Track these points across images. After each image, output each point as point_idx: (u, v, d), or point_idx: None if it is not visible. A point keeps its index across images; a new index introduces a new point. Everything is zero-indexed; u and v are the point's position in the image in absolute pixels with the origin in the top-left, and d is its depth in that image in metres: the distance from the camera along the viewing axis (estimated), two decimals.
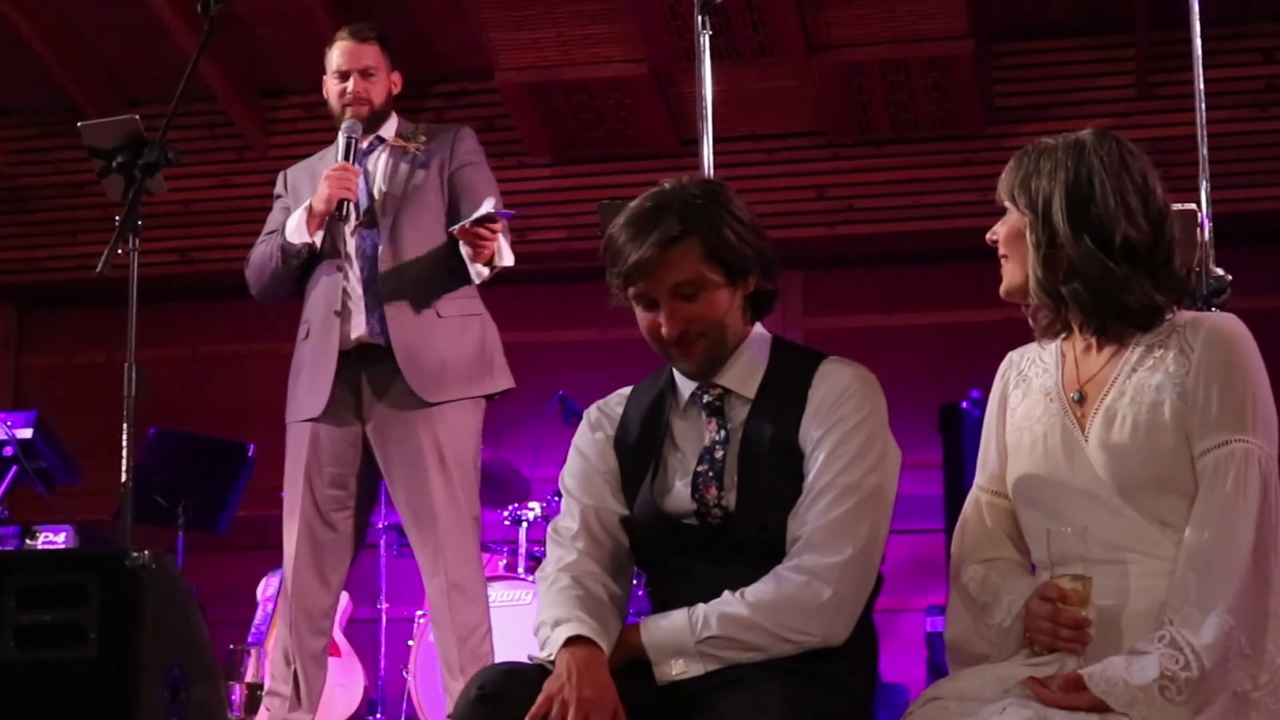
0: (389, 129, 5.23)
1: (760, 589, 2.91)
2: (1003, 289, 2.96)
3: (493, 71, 7.99)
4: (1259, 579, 2.68)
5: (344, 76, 5.17)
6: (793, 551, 2.95)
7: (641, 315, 3.08)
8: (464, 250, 4.96)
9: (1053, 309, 2.89)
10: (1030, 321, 3.00)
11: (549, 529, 3.19)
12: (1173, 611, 2.67)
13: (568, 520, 3.14)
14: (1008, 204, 2.90)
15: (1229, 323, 2.84)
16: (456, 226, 4.91)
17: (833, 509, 2.94)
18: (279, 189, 5.30)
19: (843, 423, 3.00)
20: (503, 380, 5.19)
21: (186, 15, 7.65)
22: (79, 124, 4.90)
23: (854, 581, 2.94)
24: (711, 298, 3.03)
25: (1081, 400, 2.88)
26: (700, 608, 2.91)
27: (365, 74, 5.16)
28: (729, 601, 2.91)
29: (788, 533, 2.97)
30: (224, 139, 8.67)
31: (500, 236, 5.00)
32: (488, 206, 4.91)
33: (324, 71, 5.24)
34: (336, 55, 5.19)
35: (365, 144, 5.16)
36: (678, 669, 2.90)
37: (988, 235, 2.95)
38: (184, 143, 7.96)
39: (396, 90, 5.28)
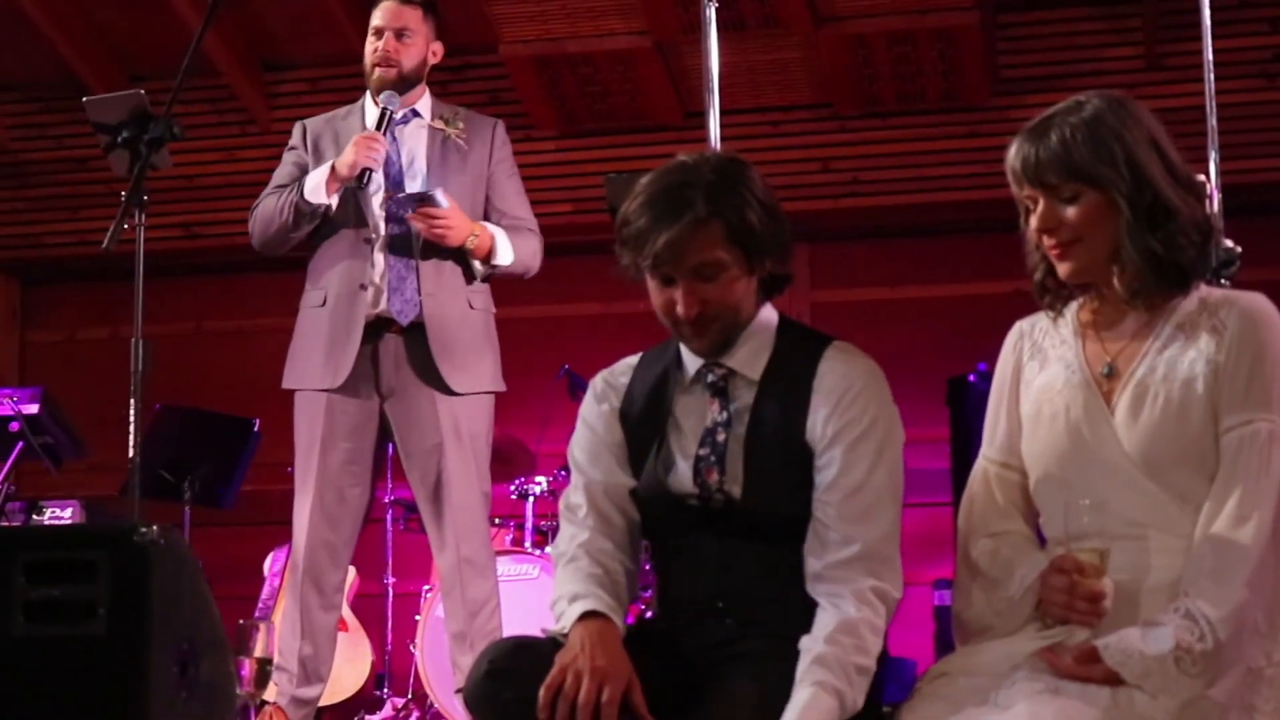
0: (424, 104, 5.20)
1: (853, 636, 2.86)
2: (1072, 272, 2.85)
3: (497, 45, 7.97)
4: (1276, 556, 2.68)
5: (379, 34, 5.13)
6: (847, 561, 2.91)
7: (656, 291, 3.05)
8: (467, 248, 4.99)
9: (1136, 276, 2.80)
10: (1043, 295, 2.96)
11: (561, 504, 3.18)
12: (1189, 584, 2.67)
13: (578, 497, 3.13)
14: (1072, 185, 2.79)
15: (1261, 303, 2.82)
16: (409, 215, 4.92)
17: (873, 516, 2.94)
18: (295, 140, 5.24)
19: (856, 422, 2.98)
20: (501, 382, 5.19)
21: None
22: (84, 99, 4.87)
23: (901, 571, 2.98)
24: (730, 280, 3.00)
25: (1111, 375, 2.86)
26: (830, 682, 2.80)
27: (400, 34, 5.12)
28: (846, 668, 2.83)
29: (818, 531, 2.96)
30: (228, 113, 8.65)
31: (500, 234, 5.02)
32: (419, 191, 4.95)
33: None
34: (376, 14, 5.16)
35: (399, 115, 5.13)
36: None
37: (1038, 228, 2.84)
38: (188, 117, 7.92)
39: (436, 60, 5.24)
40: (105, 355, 8.48)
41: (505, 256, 5.07)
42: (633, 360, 3.25)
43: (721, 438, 3.05)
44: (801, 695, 2.80)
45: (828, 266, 8.39)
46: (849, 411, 2.99)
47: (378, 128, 5.02)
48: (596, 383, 3.24)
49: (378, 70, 5.11)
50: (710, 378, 3.10)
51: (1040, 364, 2.95)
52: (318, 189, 4.99)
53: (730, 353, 3.09)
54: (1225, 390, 2.75)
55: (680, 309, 3.00)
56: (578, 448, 3.19)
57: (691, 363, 3.13)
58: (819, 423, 3.00)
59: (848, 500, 2.94)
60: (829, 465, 2.97)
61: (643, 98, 8.13)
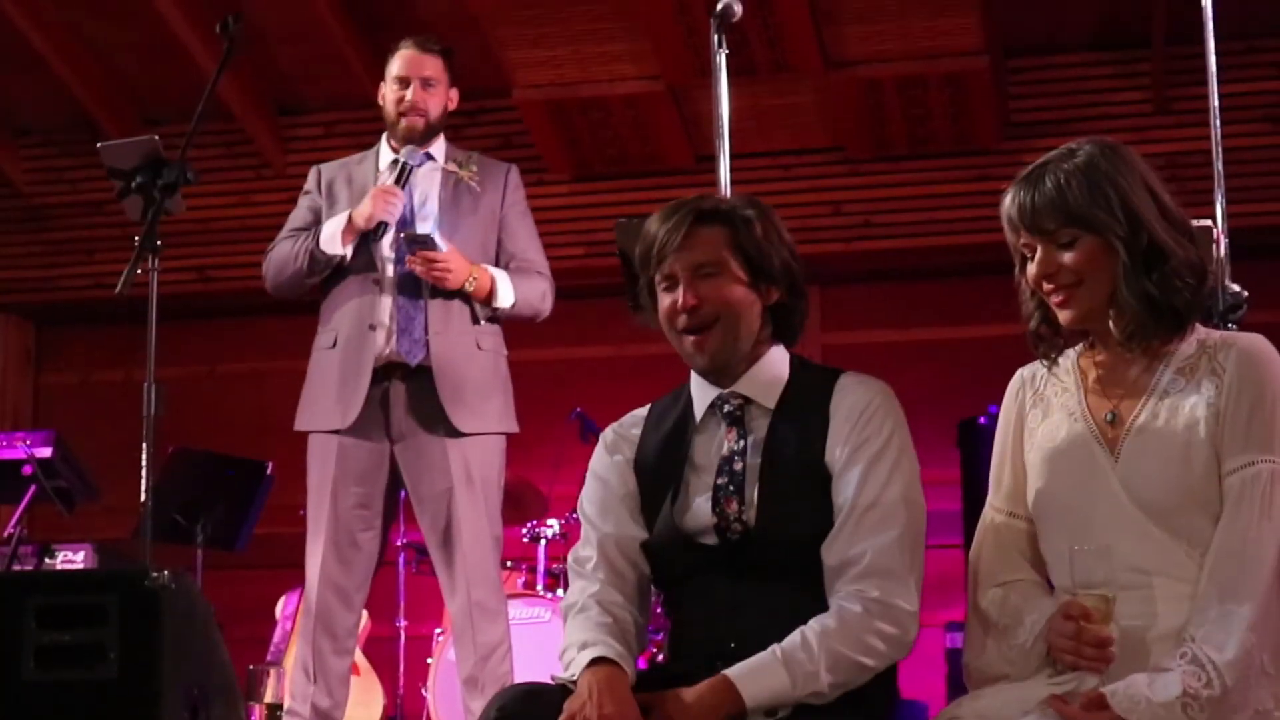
0: (438, 148, 5.22)
1: (846, 627, 2.89)
2: (1074, 318, 2.86)
3: (510, 89, 8.00)
4: None
5: (404, 84, 5.16)
6: (855, 575, 2.94)
7: (663, 299, 3.10)
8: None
9: (1133, 319, 2.81)
10: (1037, 344, 2.98)
11: (569, 559, 3.20)
12: (1195, 629, 2.66)
13: (588, 550, 3.15)
14: (1069, 229, 2.81)
15: (1260, 344, 2.83)
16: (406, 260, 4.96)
17: (885, 528, 2.95)
18: (310, 185, 5.28)
19: (873, 440, 3.01)
20: (513, 423, 5.20)
21: (204, 34, 7.70)
22: (98, 145, 4.90)
23: (919, 595, 2.97)
24: (730, 282, 3.06)
25: (1114, 422, 2.86)
26: (793, 659, 2.86)
27: (426, 84, 5.16)
28: (825, 647, 2.87)
29: (832, 550, 2.97)
30: (242, 157, 8.70)
31: (501, 276, 5.05)
32: (416, 231, 4.96)
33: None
34: (398, 62, 5.19)
35: (414, 159, 5.16)
36: None
37: (1037, 274, 2.85)
38: (202, 161, 7.99)
39: (453, 107, 5.28)
40: (119, 398, 8.51)
41: (505, 299, 5.09)
42: (641, 411, 3.27)
43: (739, 466, 3.07)
44: (757, 656, 2.86)
45: (839, 309, 8.41)
46: (867, 429, 3.02)
47: (396, 181, 5.05)
48: (607, 435, 3.26)
49: (404, 120, 5.14)
50: (727, 407, 3.12)
51: (1043, 412, 2.96)
52: (333, 239, 5.02)
53: (742, 380, 3.12)
54: (1226, 433, 2.75)
55: (680, 301, 3.06)
56: (588, 502, 3.21)
57: (703, 399, 3.15)
58: (838, 443, 3.02)
59: (864, 515, 2.96)
60: (847, 484, 2.99)
61: (655, 142, 8.17)
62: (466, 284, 5.00)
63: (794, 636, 2.88)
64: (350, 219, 5.01)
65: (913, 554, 2.97)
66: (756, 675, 2.86)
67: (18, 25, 8.00)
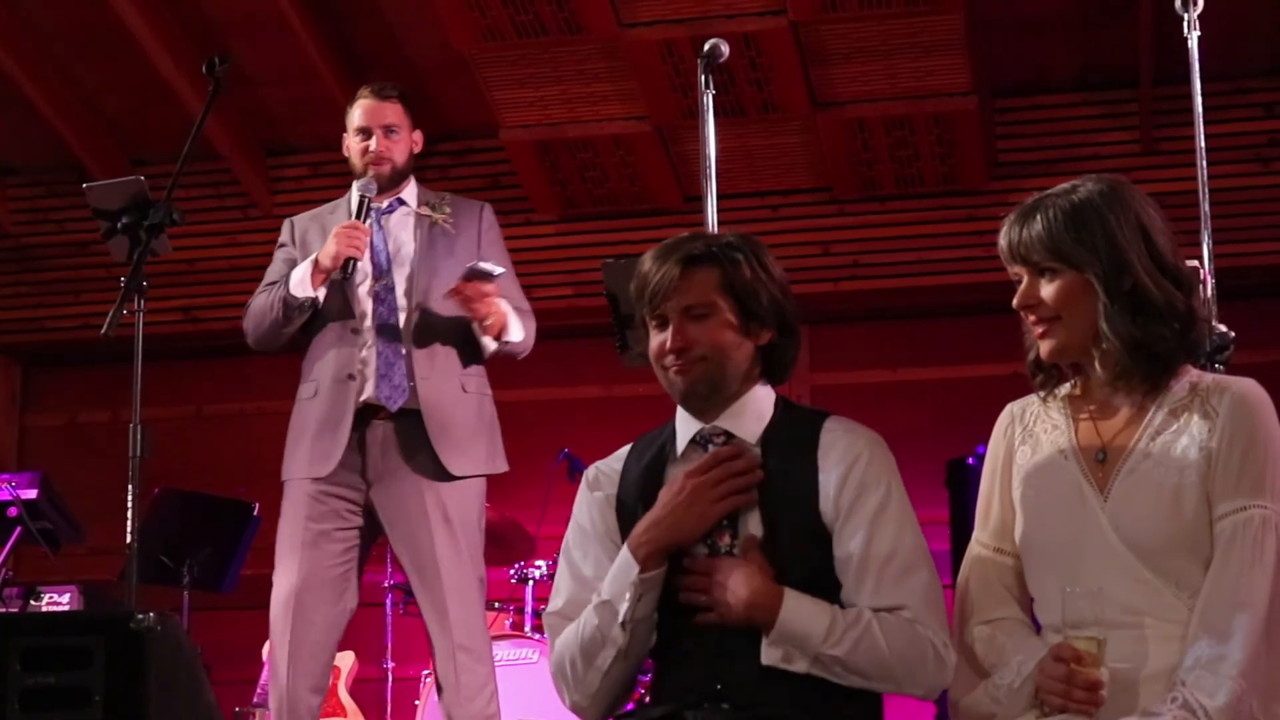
0: (410, 192, 5.22)
1: (897, 636, 2.90)
2: (1052, 350, 2.88)
3: (498, 129, 8.02)
4: (1272, 644, 2.67)
5: (366, 134, 5.16)
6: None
7: (653, 337, 3.11)
8: (474, 323, 4.98)
9: (1117, 360, 2.82)
10: (1035, 374, 2.98)
11: (545, 617, 3.19)
12: (1185, 674, 2.66)
13: (568, 604, 3.13)
14: (1052, 264, 2.83)
15: (1252, 388, 2.83)
16: (449, 289, 4.92)
17: (911, 575, 2.96)
18: (284, 238, 5.26)
19: (873, 492, 2.99)
20: (502, 462, 5.18)
21: (191, 75, 7.72)
22: (84, 185, 4.90)
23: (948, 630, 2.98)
24: (720, 325, 3.06)
25: (1104, 460, 2.86)
26: (841, 619, 2.89)
27: (388, 131, 5.15)
28: (872, 631, 2.89)
29: (856, 596, 2.96)
30: (229, 197, 8.70)
31: (511, 312, 5.03)
32: (483, 265, 4.93)
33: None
34: (358, 113, 5.18)
35: (384, 204, 5.15)
36: (784, 662, 2.89)
37: (1018, 304, 2.89)
38: (189, 201, 7.99)
39: (417, 149, 5.27)
40: (106, 439, 8.49)
41: (516, 334, 5.08)
42: (625, 449, 3.26)
43: None
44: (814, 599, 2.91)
45: (827, 349, 8.42)
46: (864, 482, 3.00)
47: (358, 215, 5.03)
48: (589, 473, 3.25)
49: (371, 169, 5.13)
50: (711, 446, 3.10)
51: (1032, 448, 2.96)
52: (303, 282, 5.00)
53: (725, 415, 3.10)
54: (1218, 477, 2.75)
55: (668, 343, 3.06)
56: (574, 546, 3.19)
57: (686, 431, 3.14)
58: (831, 494, 3.00)
59: (884, 567, 2.95)
60: (852, 536, 2.97)
61: (642, 182, 8.18)
62: (488, 318, 4.98)
63: (852, 608, 2.92)
64: (317, 260, 4.99)
65: (939, 601, 2.98)
66: (805, 604, 2.89)
67: (3, 66, 8.01)
